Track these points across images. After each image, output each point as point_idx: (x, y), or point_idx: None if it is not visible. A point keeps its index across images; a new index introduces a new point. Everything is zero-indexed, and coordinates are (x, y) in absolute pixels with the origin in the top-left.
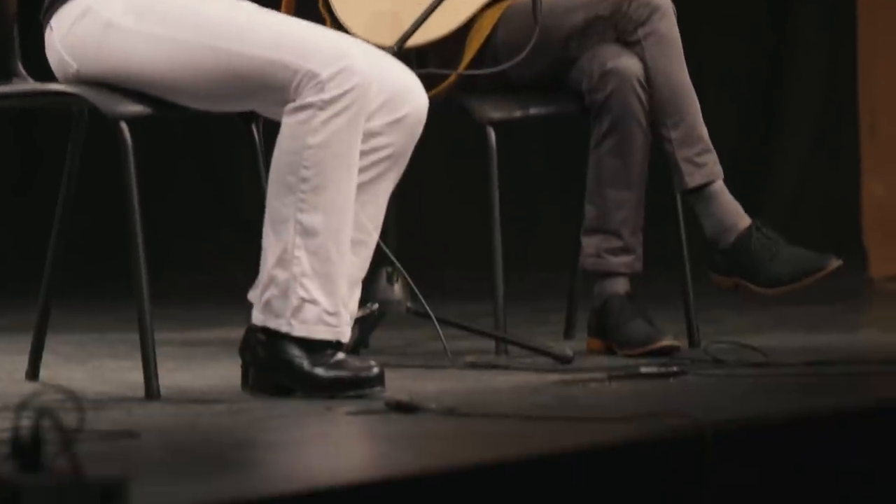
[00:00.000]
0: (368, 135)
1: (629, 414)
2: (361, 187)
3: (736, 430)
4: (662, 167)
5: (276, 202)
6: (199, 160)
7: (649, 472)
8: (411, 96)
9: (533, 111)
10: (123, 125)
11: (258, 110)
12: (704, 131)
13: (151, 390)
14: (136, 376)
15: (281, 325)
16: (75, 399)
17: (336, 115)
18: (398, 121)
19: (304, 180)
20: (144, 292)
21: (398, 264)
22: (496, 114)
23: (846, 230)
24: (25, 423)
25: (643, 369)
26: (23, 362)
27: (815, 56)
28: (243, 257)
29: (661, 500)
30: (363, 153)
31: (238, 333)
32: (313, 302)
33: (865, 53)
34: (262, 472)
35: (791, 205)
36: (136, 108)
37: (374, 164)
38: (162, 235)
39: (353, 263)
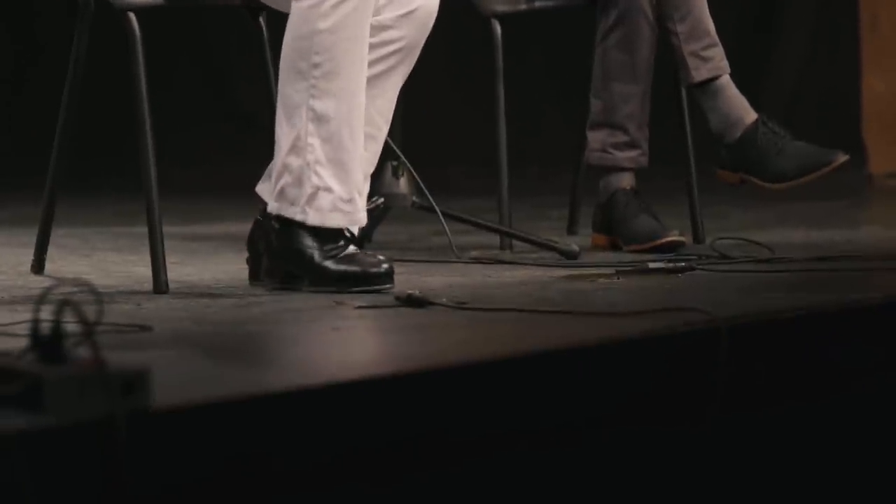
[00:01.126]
0: (379, 28)
1: (644, 308)
2: (371, 81)
3: (750, 325)
4: (666, 61)
5: (288, 89)
6: (195, 53)
7: (662, 367)
8: None
9: (539, 4)
10: (131, 15)
11: (267, 0)
12: (711, 25)
13: (160, 284)
14: (141, 270)
15: (295, 214)
16: (94, 291)
17: None
18: (409, 14)
19: (316, 66)
20: (153, 186)
21: (403, 158)
22: (501, 7)
23: (846, 126)
24: (44, 314)
25: (651, 265)
26: (27, 255)
27: None
28: (242, 151)
29: (672, 394)
30: (374, 46)
31: (238, 228)
32: (327, 189)
33: None
34: (278, 367)
35: (790, 101)
36: None
37: (384, 57)
38: (159, 129)
39: (363, 158)
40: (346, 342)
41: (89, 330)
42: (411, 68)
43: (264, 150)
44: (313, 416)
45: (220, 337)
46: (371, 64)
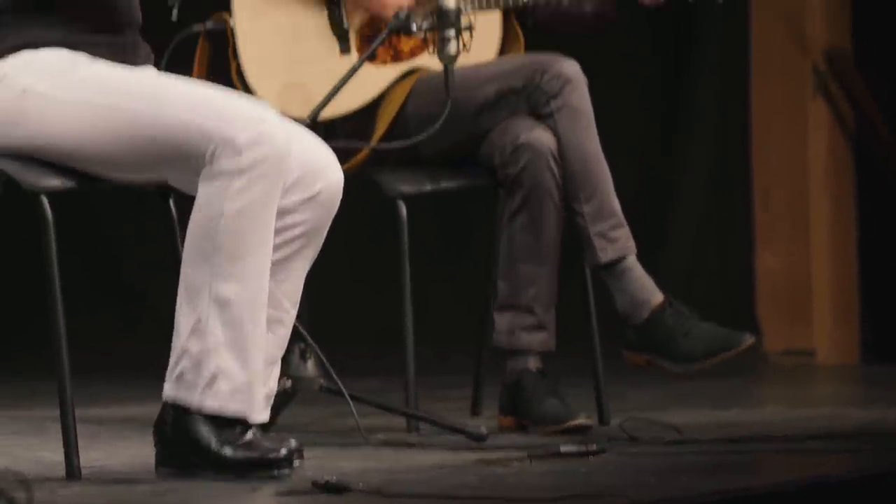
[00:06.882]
0: (283, 212)
1: (564, 493)
2: (277, 265)
3: None
4: (571, 239)
5: (190, 271)
6: (78, 233)
7: None
8: (326, 172)
9: (444, 185)
10: (44, 199)
11: (175, 183)
12: (617, 205)
13: (73, 470)
14: (48, 455)
15: (192, 400)
16: (25, 481)
17: (252, 182)
18: (312, 198)
19: (219, 249)
20: (65, 368)
21: (311, 340)
22: (407, 187)
23: (740, 303)
24: None
25: (563, 448)
26: None
27: (708, 122)
28: (126, 333)
29: None
30: (278, 231)
31: (137, 410)
32: (227, 375)
33: (758, 120)
34: None
35: (684, 277)
36: (56, 182)
37: (288, 241)
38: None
39: (271, 342)
40: None
41: None
42: (318, 251)
43: (153, 333)
44: None
45: None
46: (276, 248)
